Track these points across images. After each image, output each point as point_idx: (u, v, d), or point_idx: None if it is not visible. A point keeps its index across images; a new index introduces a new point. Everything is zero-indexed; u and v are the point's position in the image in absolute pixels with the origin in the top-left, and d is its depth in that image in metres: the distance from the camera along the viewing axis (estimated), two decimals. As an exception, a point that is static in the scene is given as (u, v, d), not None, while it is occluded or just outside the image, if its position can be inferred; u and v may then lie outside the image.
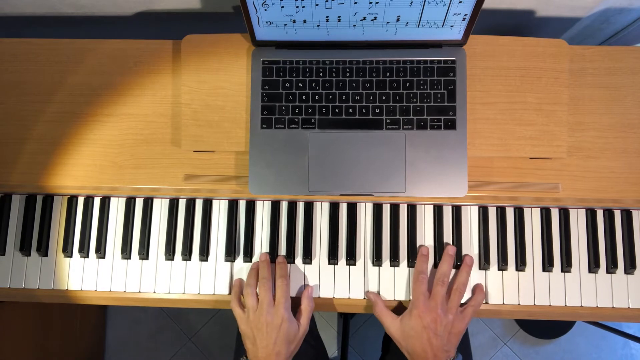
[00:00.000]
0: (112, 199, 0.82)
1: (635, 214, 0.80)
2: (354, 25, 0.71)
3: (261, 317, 0.72)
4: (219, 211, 0.81)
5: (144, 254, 0.79)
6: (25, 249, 0.80)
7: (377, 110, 0.75)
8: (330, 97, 0.75)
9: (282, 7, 0.67)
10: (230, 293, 0.79)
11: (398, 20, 0.70)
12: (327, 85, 0.75)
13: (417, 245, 0.79)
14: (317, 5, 0.67)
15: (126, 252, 0.80)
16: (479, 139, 0.75)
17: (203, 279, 0.79)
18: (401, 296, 0.78)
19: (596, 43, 0.98)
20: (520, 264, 0.78)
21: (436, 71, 0.75)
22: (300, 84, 0.75)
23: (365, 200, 0.80)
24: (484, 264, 0.78)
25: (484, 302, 0.77)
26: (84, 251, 0.80)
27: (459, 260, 0.78)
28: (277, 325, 0.71)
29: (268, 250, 0.79)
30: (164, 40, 0.81)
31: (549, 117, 0.75)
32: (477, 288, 0.77)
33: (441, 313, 0.71)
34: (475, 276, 0.78)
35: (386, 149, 0.74)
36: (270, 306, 0.73)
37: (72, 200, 0.82)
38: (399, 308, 0.78)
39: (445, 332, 0.70)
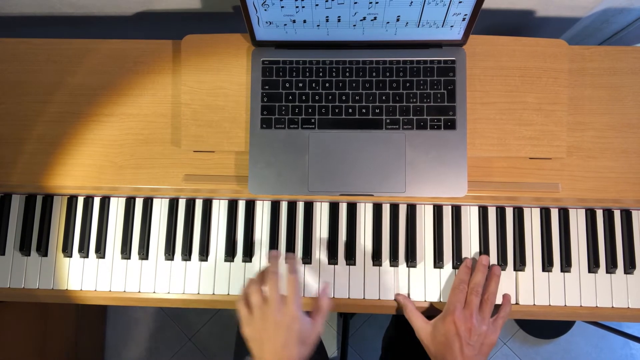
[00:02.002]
0: (112, 199, 0.82)
1: (635, 214, 0.80)
2: (354, 25, 0.71)
3: (269, 316, 0.64)
4: (219, 211, 0.81)
5: (144, 254, 0.80)
6: (25, 248, 0.80)
7: (377, 110, 0.75)
8: (330, 97, 0.75)
9: (282, 7, 0.67)
10: (227, 293, 0.78)
11: (398, 20, 0.70)
12: (327, 85, 0.75)
13: (417, 245, 0.79)
14: (317, 5, 0.67)
15: (126, 252, 0.80)
16: (479, 139, 0.76)
17: (203, 279, 0.79)
18: (401, 296, 0.78)
19: (596, 43, 0.98)
20: (520, 264, 0.78)
21: (436, 71, 0.75)
22: (300, 84, 0.75)
23: (365, 200, 0.80)
24: (484, 264, 0.78)
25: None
26: (83, 251, 0.80)
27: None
28: (287, 325, 0.64)
29: (268, 251, 0.79)
30: (164, 40, 0.81)
31: (549, 117, 0.75)
32: (505, 299, 0.76)
33: (476, 323, 0.70)
34: (475, 276, 0.78)
35: (386, 149, 0.74)
36: (280, 304, 0.65)
37: (72, 200, 0.82)
38: (398, 308, 0.78)
39: (478, 342, 0.70)
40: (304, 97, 0.75)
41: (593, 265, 0.77)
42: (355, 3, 0.66)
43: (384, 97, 0.75)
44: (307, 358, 0.66)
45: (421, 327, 0.73)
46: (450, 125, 0.74)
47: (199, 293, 0.79)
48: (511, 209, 0.80)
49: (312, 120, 0.75)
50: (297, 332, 0.64)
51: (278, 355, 0.63)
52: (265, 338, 0.64)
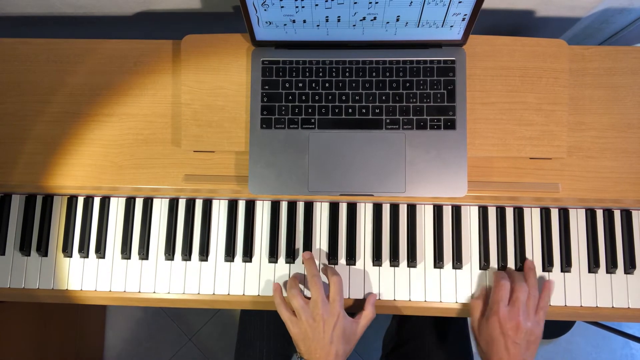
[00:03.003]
0: (112, 199, 0.82)
1: (635, 214, 0.80)
2: (354, 25, 0.71)
3: (316, 315, 0.69)
4: (219, 211, 0.81)
5: (144, 254, 0.80)
6: (25, 248, 0.80)
7: (377, 110, 0.75)
8: (330, 97, 0.75)
9: (282, 7, 0.67)
10: (227, 293, 0.79)
11: (398, 20, 0.70)
12: (327, 85, 0.75)
13: (417, 245, 0.78)
14: (316, 5, 0.67)
15: (126, 252, 0.80)
16: (479, 139, 0.76)
17: (203, 279, 0.79)
18: (401, 296, 0.77)
19: (596, 43, 0.98)
20: (520, 264, 0.78)
21: (436, 71, 0.75)
22: (300, 84, 0.75)
23: (365, 200, 0.80)
24: (484, 264, 0.78)
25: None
26: (83, 251, 0.80)
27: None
28: (332, 323, 0.69)
29: (268, 251, 0.79)
30: (164, 40, 0.81)
31: (549, 117, 0.75)
32: (545, 287, 0.74)
33: (522, 320, 0.69)
34: (476, 276, 0.78)
35: (386, 149, 0.74)
36: (325, 303, 0.70)
37: (72, 200, 0.82)
38: (398, 308, 0.78)
39: (524, 340, 0.69)
40: (303, 97, 0.75)
41: (593, 265, 0.77)
42: (355, 3, 0.66)
43: (383, 97, 0.75)
44: (348, 355, 0.71)
45: (475, 320, 0.73)
46: (450, 125, 0.74)
47: (199, 293, 0.79)
48: (511, 209, 0.80)
49: (312, 120, 0.75)
50: (341, 329, 0.69)
51: (325, 350, 0.68)
52: (312, 336, 0.69)
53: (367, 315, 0.73)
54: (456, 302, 0.77)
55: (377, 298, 0.77)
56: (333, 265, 0.78)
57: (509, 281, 0.73)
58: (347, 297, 0.78)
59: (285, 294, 0.76)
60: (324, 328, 0.68)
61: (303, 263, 0.77)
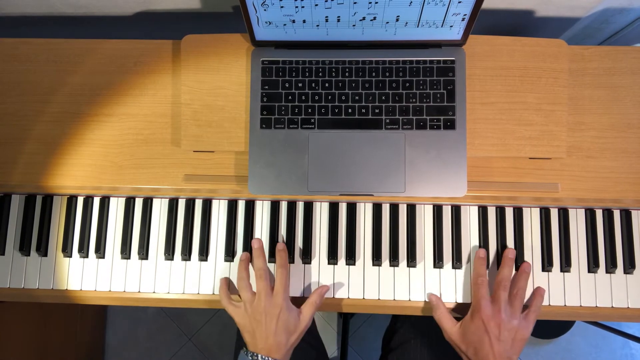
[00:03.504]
0: (111, 199, 0.82)
1: (634, 214, 0.80)
2: (354, 25, 0.71)
3: (259, 308, 0.71)
4: (219, 211, 0.81)
5: (144, 253, 0.80)
6: (24, 248, 0.80)
7: (377, 110, 0.75)
8: (329, 97, 0.75)
9: (282, 7, 0.67)
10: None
11: (397, 20, 0.70)
12: (327, 85, 0.75)
13: (417, 245, 0.79)
14: (316, 5, 0.67)
15: (126, 252, 0.80)
16: (479, 139, 0.76)
17: (203, 279, 0.79)
18: (400, 296, 0.78)
19: (596, 43, 0.98)
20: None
21: (435, 71, 0.75)
22: (300, 84, 0.75)
23: (364, 200, 0.80)
24: (484, 263, 0.78)
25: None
26: (83, 251, 0.80)
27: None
28: (275, 315, 0.70)
29: (268, 251, 0.79)
30: (164, 40, 0.81)
31: (549, 117, 0.75)
32: (536, 292, 0.75)
33: (505, 317, 0.69)
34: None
35: (385, 149, 0.74)
36: (269, 296, 0.72)
37: (71, 200, 0.82)
38: (397, 307, 0.78)
39: (509, 337, 0.69)
40: (303, 97, 0.75)
41: (593, 265, 0.77)
42: (355, 3, 0.66)
43: (383, 97, 0.75)
44: (295, 346, 0.72)
45: (450, 328, 0.72)
46: (450, 125, 0.74)
47: (199, 293, 0.79)
48: (511, 209, 0.80)
49: (312, 120, 0.75)
50: (284, 321, 0.70)
51: (269, 341, 0.69)
52: (256, 327, 0.70)
53: (311, 302, 0.74)
54: (456, 302, 0.77)
55: (378, 298, 0.77)
56: (286, 255, 0.77)
57: (486, 277, 0.73)
58: (347, 297, 0.78)
59: (226, 289, 0.76)
60: (266, 320, 0.70)
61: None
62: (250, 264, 0.77)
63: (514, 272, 0.76)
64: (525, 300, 0.75)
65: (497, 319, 0.69)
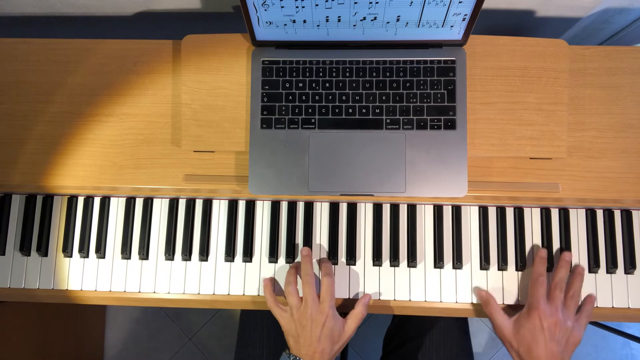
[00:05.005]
0: (112, 199, 0.82)
1: (635, 214, 0.80)
2: (354, 25, 0.71)
3: (306, 314, 0.71)
4: (219, 211, 0.81)
5: (144, 254, 0.79)
6: (25, 249, 0.80)
7: (377, 110, 0.75)
8: (330, 97, 0.75)
9: (282, 7, 0.67)
10: (227, 293, 0.79)
11: (398, 20, 0.70)
12: (327, 85, 0.75)
13: (417, 245, 0.79)
14: (317, 5, 0.67)
15: (126, 252, 0.80)
16: (479, 138, 0.76)
17: (203, 279, 0.79)
18: (401, 296, 0.78)
19: (596, 43, 0.98)
20: (520, 264, 0.78)
21: (436, 71, 0.75)
22: (300, 84, 0.75)
23: (365, 200, 0.80)
24: (484, 264, 0.78)
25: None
26: (83, 251, 0.80)
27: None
28: (321, 322, 0.70)
29: (268, 251, 0.79)
30: (164, 40, 0.81)
31: (549, 117, 0.75)
32: (587, 298, 0.75)
33: (561, 318, 0.69)
34: (476, 276, 0.78)
35: (386, 149, 0.74)
36: (316, 302, 0.72)
37: (72, 200, 0.82)
38: (397, 307, 0.78)
39: (563, 338, 0.69)
40: (304, 97, 0.75)
41: (593, 265, 0.77)
42: (356, 3, 0.66)
43: (384, 97, 0.75)
44: (337, 354, 0.72)
45: (503, 323, 0.72)
46: (451, 125, 0.74)
47: (199, 293, 0.79)
48: (511, 209, 0.80)
49: (312, 120, 0.75)
50: (330, 329, 0.70)
51: (312, 348, 0.69)
52: (301, 332, 0.71)
53: (356, 314, 0.74)
54: (456, 302, 0.77)
55: (378, 298, 0.77)
56: (332, 265, 0.78)
57: (546, 277, 0.73)
58: (347, 297, 0.78)
59: (271, 291, 0.76)
60: (312, 326, 0.70)
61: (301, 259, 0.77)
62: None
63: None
64: None
65: (554, 318, 0.69)
